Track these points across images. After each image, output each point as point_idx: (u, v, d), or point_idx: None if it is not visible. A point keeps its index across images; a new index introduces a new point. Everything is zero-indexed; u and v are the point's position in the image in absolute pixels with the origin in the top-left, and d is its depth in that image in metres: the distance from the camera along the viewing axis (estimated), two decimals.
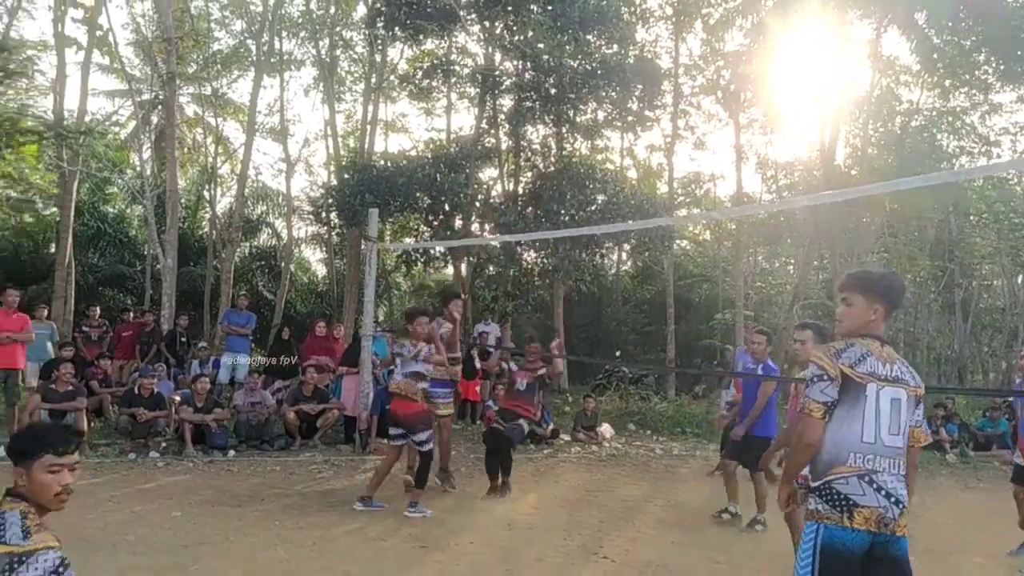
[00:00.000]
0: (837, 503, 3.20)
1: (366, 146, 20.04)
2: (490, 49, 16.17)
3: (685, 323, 23.34)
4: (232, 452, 10.22)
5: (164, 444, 10.19)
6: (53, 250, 18.01)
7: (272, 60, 20.44)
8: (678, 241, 27.79)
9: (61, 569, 2.35)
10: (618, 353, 20.49)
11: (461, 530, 6.84)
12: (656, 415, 15.11)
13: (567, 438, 12.91)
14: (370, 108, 20.59)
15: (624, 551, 6.37)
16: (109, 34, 17.08)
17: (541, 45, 14.40)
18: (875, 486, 3.19)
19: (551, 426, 12.80)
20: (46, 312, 13.05)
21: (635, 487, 9.59)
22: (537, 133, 17.01)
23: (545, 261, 15.65)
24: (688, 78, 21.17)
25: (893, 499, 3.20)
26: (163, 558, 5.65)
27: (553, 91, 15.13)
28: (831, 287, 20.07)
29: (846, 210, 18.27)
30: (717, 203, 26.59)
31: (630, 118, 16.64)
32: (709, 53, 20.57)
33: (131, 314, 14.66)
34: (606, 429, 13.29)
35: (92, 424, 10.51)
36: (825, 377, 3.31)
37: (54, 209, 19.88)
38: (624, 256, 27.16)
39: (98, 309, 14.11)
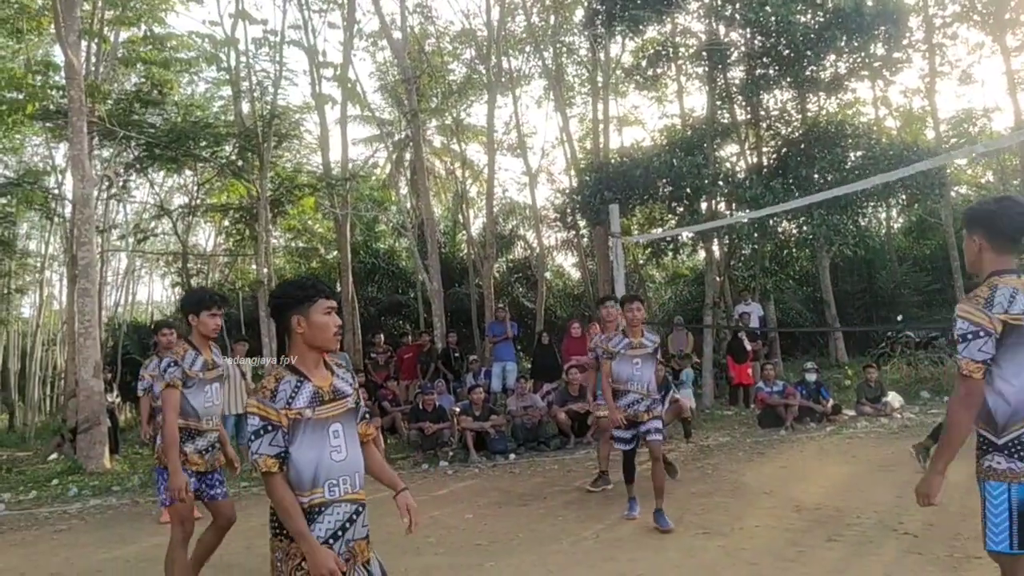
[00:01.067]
0: None
1: (600, 145, 20.21)
2: (713, 23, 15.64)
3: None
4: (513, 455, 10.71)
5: (451, 453, 10.91)
6: (338, 288, 20.04)
7: (503, 79, 21.28)
8: (956, 188, 25.14)
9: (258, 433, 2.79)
10: (899, 317, 18.84)
11: (745, 515, 6.65)
12: (952, 380, 13.68)
13: (851, 413, 12.12)
14: (600, 107, 20.75)
15: (927, 526, 5.84)
16: (357, 85, 18.70)
17: (767, 7, 13.70)
18: None
19: (831, 402, 12.08)
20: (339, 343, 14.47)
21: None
22: (775, 99, 16.14)
23: (803, 230, 14.79)
24: (939, 8, 19.12)
25: None
26: (462, 557, 6.03)
27: (786, 52, 14.30)
28: None
29: None
30: (996, 138, 23.67)
31: (877, 64, 15.30)
32: None
33: (410, 337, 15.91)
34: (894, 399, 12.28)
35: (388, 441, 11.51)
36: (981, 333, 2.91)
37: (335, 252, 22.12)
38: (894, 214, 25.03)
39: (382, 336, 15.39)
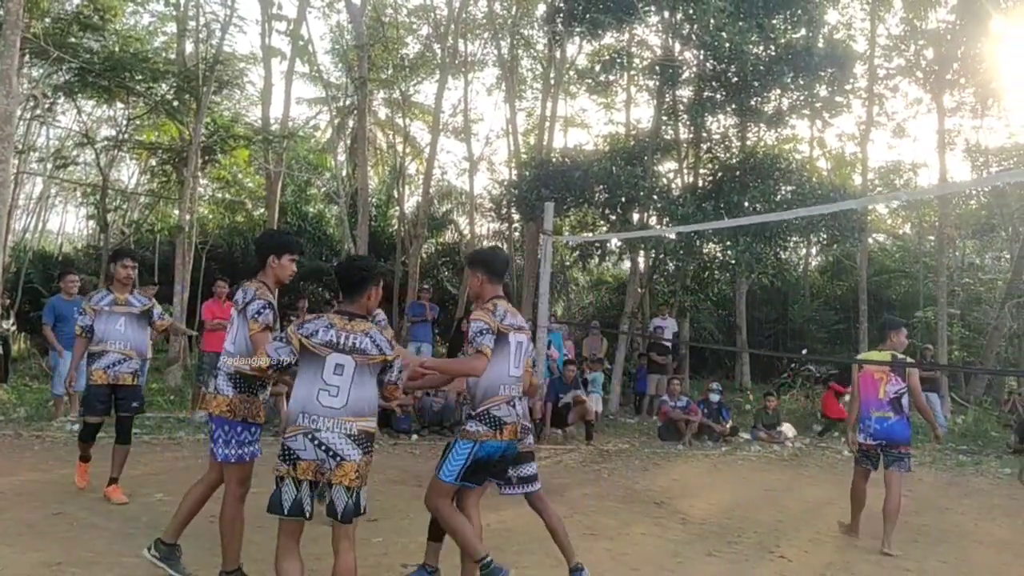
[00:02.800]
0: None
1: (544, 142, 20.33)
2: (669, 40, 15.89)
3: (880, 321, 21.88)
4: (415, 436, 10.72)
5: None
6: None
7: (456, 62, 21.15)
8: (874, 235, 26.16)
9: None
10: (804, 351, 19.54)
11: (633, 522, 6.81)
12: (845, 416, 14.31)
13: (747, 436, 12.53)
14: (549, 104, 20.85)
15: (803, 552, 6.10)
16: (309, 44, 18.34)
17: (723, 33, 14.00)
18: None
19: (729, 423, 12.47)
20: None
21: (818, 488, 9.15)
22: (718, 123, 16.52)
23: (726, 254, 15.19)
24: (884, 60, 19.85)
25: None
26: None
27: (735, 79, 14.64)
28: None
29: None
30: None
31: (818, 104, 15.82)
32: (909, 32, 19.16)
33: (331, 307, 15.66)
34: (788, 429, 12.76)
35: None
36: (486, 330, 4.34)
37: (262, 210, 21.64)
38: (813, 251, 25.88)
39: (306, 302, 15.16)
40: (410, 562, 5.19)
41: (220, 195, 23.05)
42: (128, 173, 28.71)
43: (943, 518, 7.70)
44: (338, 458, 3.64)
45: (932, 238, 22.99)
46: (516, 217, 18.83)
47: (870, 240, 23.55)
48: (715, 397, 12.57)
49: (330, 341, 3.74)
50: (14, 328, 13.98)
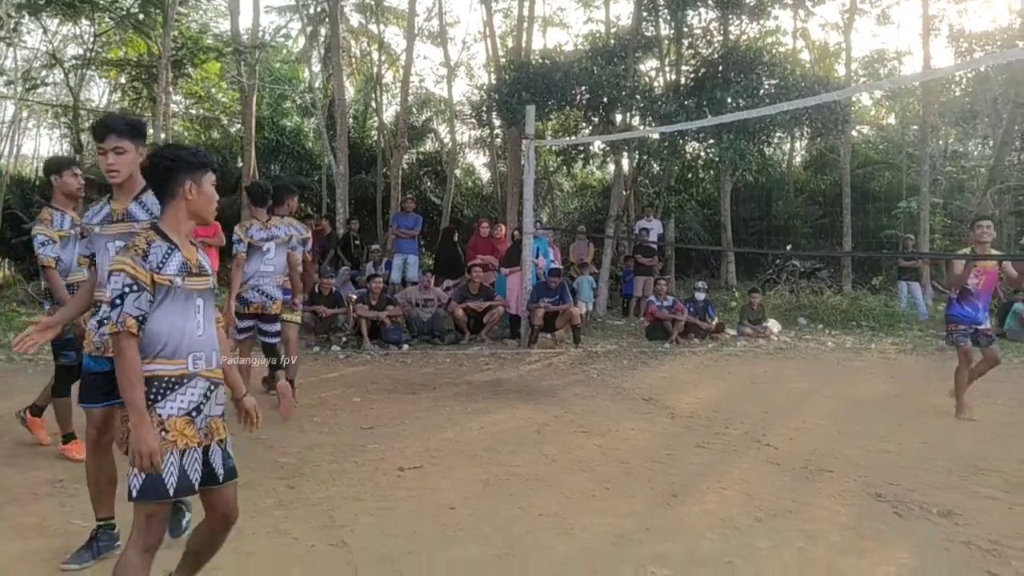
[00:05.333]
0: None
1: (523, 44, 19.84)
2: None
3: (863, 214, 21.97)
4: (407, 346, 10.84)
5: (344, 339, 10.92)
6: (240, 163, 19.25)
7: None
8: (858, 127, 25.96)
9: (124, 293, 2.64)
10: (789, 246, 19.68)
11: (623, 419, 6.97)
12: (829, 309, 14.56)
13: (733, 332, 12.72)
14: (527, 4, 20.25)
15: (788, 439, 6.28)
16: None
17: None
18: None
19: (716, 320, 12.64)
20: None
21: (803, 380, 9.36)
22: (699, 18, 16.09)
23: (709, 152, 15.07)
24: None
25: None
26: (346, 438, 6.14)
27: None
28: None
29: None
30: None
31: None
32: None
33: (313, 221, 15.57)
34: (773, 325, 12.97)
35: None
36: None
37: (239, 125, 21.22)
38: (797, 146, 25.74)
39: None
40: (407, 465, 5.33)
41: (194, 111, 22.56)
42: (99, 92, 27.95)
43: (924, 401, 7.91)
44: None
45: (915, 127, 22.86)
46: (497, 123, 18.54)
47: (854, 132, 23.39)
48: (701, 296, 12.70)
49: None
50: None
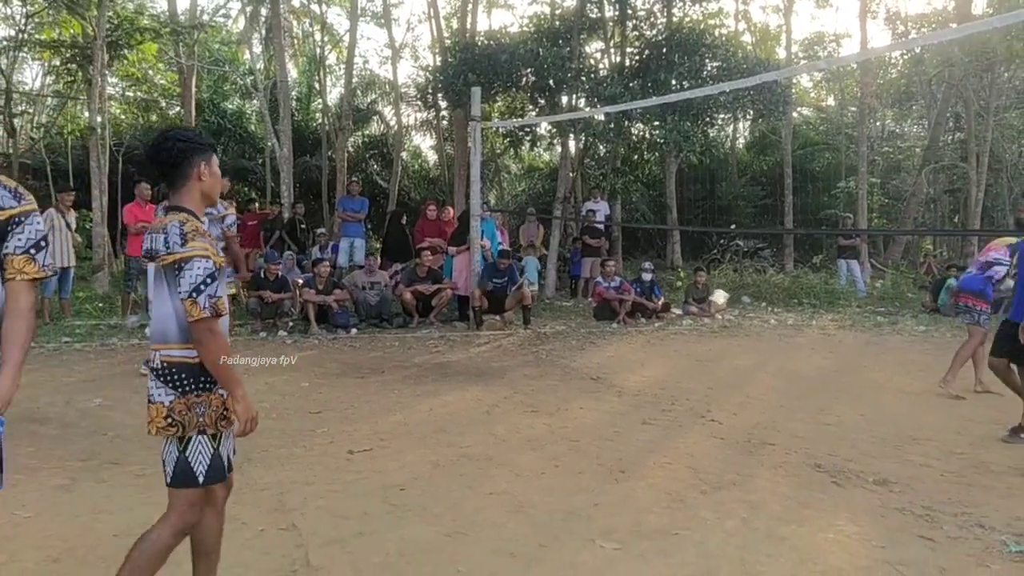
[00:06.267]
0: None
1: (468, 25, 19.73)
2: None
3: (804, 194, 22.47)
4: (354, 330, 10.77)
5: (291, 324, 10.81)
6: None
7: None
8: (799, 109, 26.47)
9: (208, 280, 2.59)
10: (732, 226, 20.02)
11: (571, 398, 7.05)
12: (771, 287, 14.88)
13: (679, 312, 12.92)
14: None
15: (732, 415, 6.43)
16: None
17: None
18: None
19: (662, 300, 12.81)
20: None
21: (746, 357, 9.57)
22: (643, 0, 16.26)
23: (654, 134, 15.22)
24: None
25: None
26: (295, 423, 6.09)
27: None
28: (966, 148, 18.79)
29: (982, 63, 16.82)
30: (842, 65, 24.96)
31: None
32: None
33: (256, 205, 15.35)
34: (719, 295, 13.20)
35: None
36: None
37: (178, 108, 20.74)
38: (740, 128, 26.15)
39: (234, 202, 14.78)
40: (356, 448, 5.32)
41: (132, 93, 21.97)
42: (32, 75, 27.10)
43: (862, 375, 8.16)
44: (148, 400, 2.72)
45: (854, 109, 23.39)
46: (443, 105, 18.45)
47: (794, 114, 23.85)
48: (647, 276, 12.85)
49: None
50: None
